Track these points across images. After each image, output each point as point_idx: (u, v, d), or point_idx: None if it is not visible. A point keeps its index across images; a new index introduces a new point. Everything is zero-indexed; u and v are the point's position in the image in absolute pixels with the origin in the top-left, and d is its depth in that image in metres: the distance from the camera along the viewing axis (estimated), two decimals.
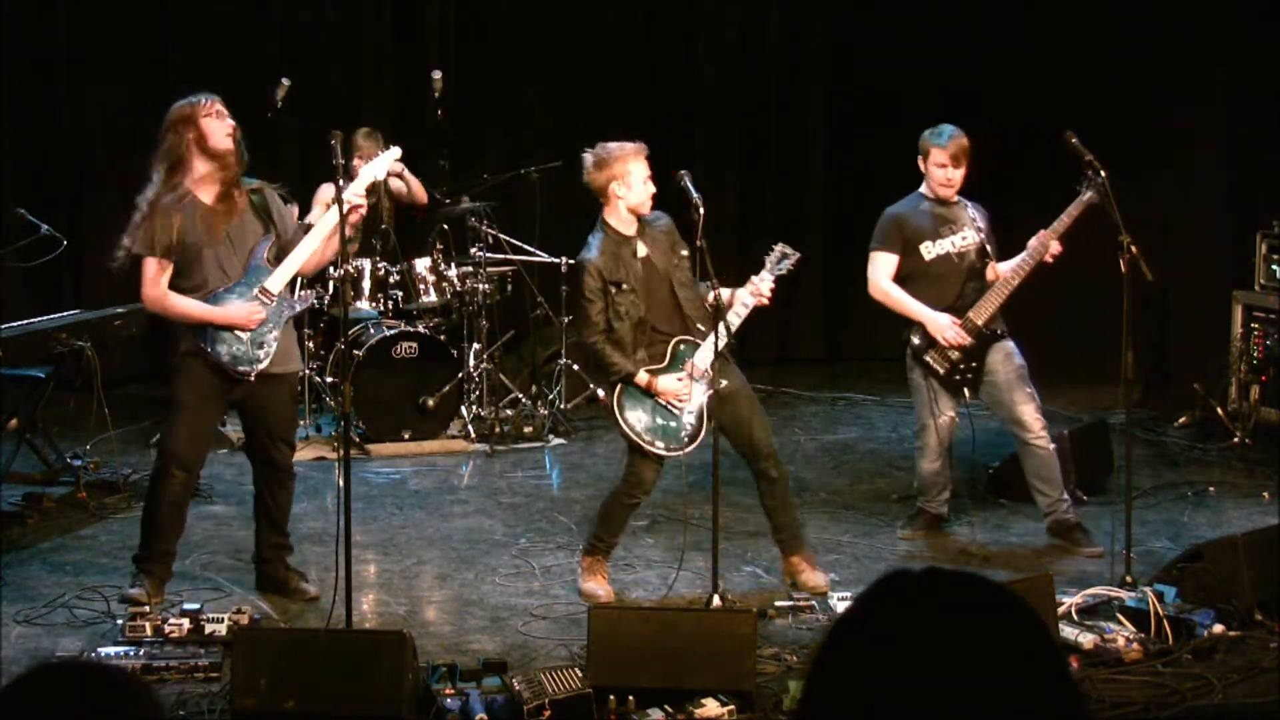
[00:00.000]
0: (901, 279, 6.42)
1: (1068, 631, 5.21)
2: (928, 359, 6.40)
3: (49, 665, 1.75)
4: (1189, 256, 9.39)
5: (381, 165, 5.91)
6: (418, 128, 10.00)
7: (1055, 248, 6.28)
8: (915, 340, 6.40)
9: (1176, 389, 9.12)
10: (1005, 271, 6.39)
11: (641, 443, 5.82)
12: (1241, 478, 7.71)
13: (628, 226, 5.83)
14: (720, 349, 5.67)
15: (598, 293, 5.77)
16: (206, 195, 5.58)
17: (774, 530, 6.05)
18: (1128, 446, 6.20)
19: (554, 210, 9.48)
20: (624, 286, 5.76)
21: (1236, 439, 8.30)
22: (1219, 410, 8.52)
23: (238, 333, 5.57)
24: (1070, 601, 5.50)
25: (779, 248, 5.91)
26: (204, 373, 5.60)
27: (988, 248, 6.41)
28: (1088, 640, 5.15)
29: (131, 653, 4.99)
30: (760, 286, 5.78)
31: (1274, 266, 8.57)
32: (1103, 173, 6.00)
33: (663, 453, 5.84)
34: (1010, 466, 7.25)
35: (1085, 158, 6.04)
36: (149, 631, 5.16)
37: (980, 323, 6.36)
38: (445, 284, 8.48)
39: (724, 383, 5.75)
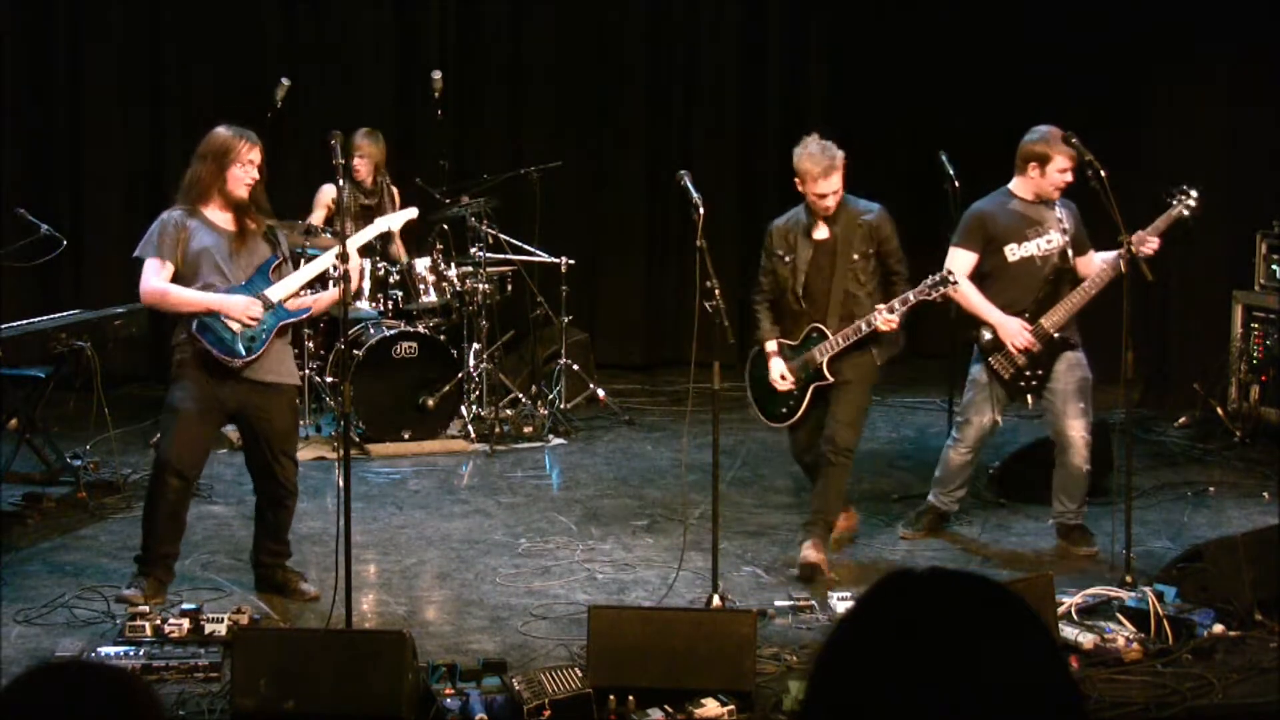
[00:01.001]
0: (980, 276, 6.32)
1: (1068, 631, 5.21)
2: (993, 361, 6.34)
3: (49, 666, 1.74)
4: (1189, 256, 9.38)
5: (398, 220, 6.23)
6: (418, 128, 10.02)
7: (1152, 245, 6.10)
8: (984, 338, 6.35)
9: (1176, 389, 9.12)
10: (1086, 277, 6.28)
11: (750, 398, 6.49)
12: (1241, 478, 7.71)
13: (815, 210, 6.18)
14: (842, 347, 6.10)
15: (765, 253, 6.34)
16: (217, 217, 5.70)
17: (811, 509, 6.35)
18: (1127, 446, 6.20)
19: (554, 210, 9.50)
20: (785, 258, 6.23)
21: (1236, 439, 8.31)
22: (1219, 410, 8.53)
23: (229, 323, 5.61)
24: (1070, 601, 5.50)
25: (944, 273, 6.00)
26: (201, 381, 5.64)
27: (1069, 251, 6.31)
28: (1088, 640, 5.15)
29: (131, 653, 4.98)
30: (875, 318, 6.01)
31: (1274, 266, 8.57)
32: (1103, 172, 5.98)
33: (761, 416, 6.47)
34: (1010, 466, 7.26)
35: (1085, 158, 6.02)
36: (149, 631, 5.16)
37: (1052, 330, 6.28)
38: (445, 284, 8.47)
39: (830, 378, 6.18)
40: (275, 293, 5.70)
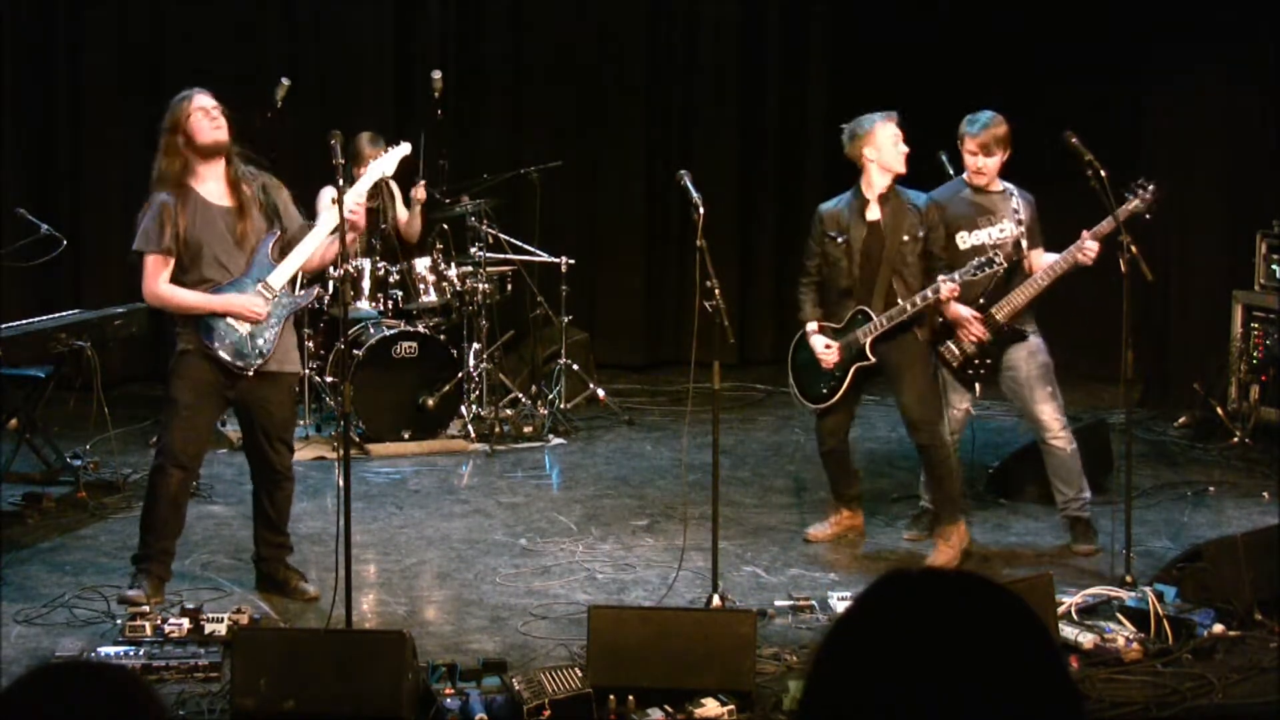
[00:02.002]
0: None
1: (1068, 631, 5.21)
2: (941, 350, 6.38)
3: (51, 666, 1.74)
4: (1189, 256, 9.39)
5: (390, 161, 5.93)
6: (418, 128, 10.01)
7: (1092, 249, 6.19)
8: (932, 331, 6.37)
9: (1176, 389, 9.12)
10: (1039, 269, 6.32)
11: (790, 382, 6.54)
12: (1241, 478, 7.71)
13: (870, 190, 6.25)
14: (886, 327, 6.15)
15: (814, 237, 6.40)
16: (210, 192, 5.58)
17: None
18: (1128, 446, 6.20)
19: (554, 210, 9.50)
20: (838, 239, 6.28)
21: (1236, 439, 8.30)
22: (1219, 410, 8.52)
23: (236, 326, 5.56)
24: (1070, 601, 5.50)
25: (987, 254, 6.05)
26: (202, 371, 5.59)
27: (1022, 242, 6.34)
28: (1088, 640, 5.15)
29: (131, 653, 4.99)
30: (942, 286, 6.06)
31: (1274, 266, 8.57)
32: (1103, 172, 5.98)
33: (799, 399, 6.53)
34: (1010, 466, 7.26)
35: (1085, 157, 6.01)
36: (149, 631, 5.16)
37: (1001, 318, 6.31)
38: (445, 284, 8.47)
39: (872, 359, 6.22)
40: (277, 278, 5.61)
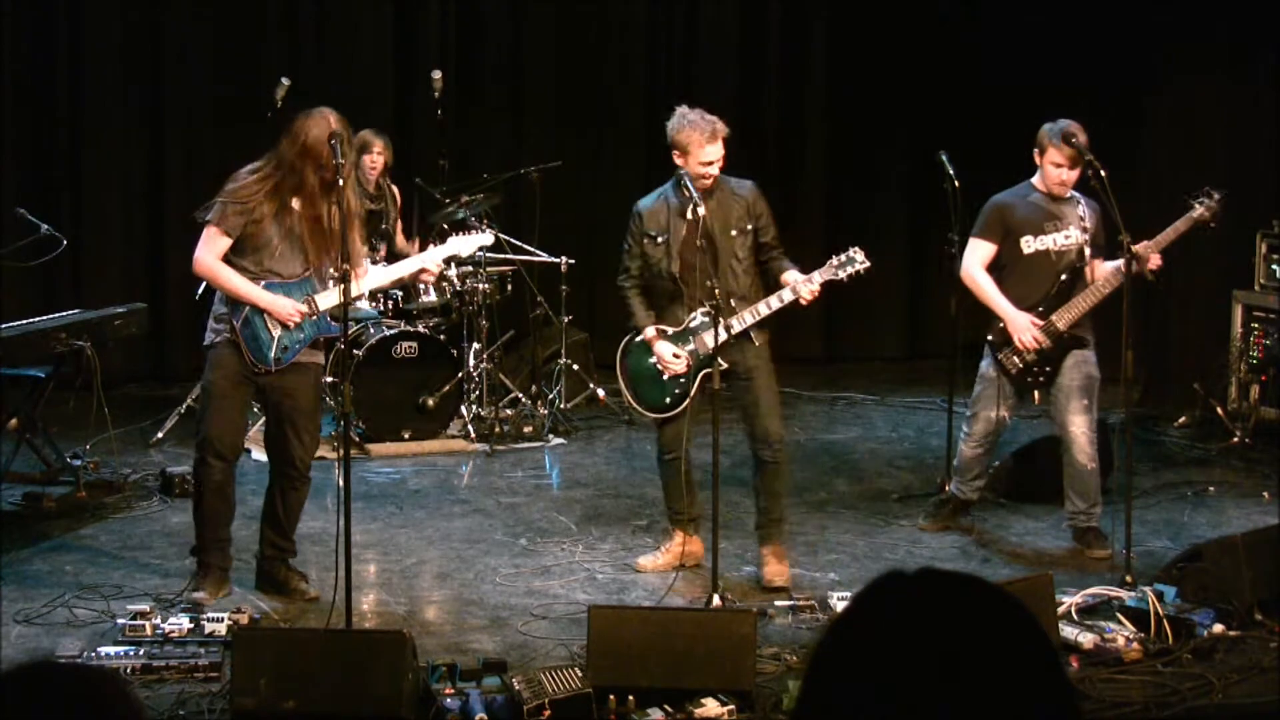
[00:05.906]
0: (996, 268, 6.30)
1: (1068, 631, 5.21)
2: (1002, 357, 6.32)
3: (21, 667, 1.72)
4: (1189, 256, 9.38)
5: (470, 243, 6.10)
6: (418, 128, 10.02)
7: (1155, 261, 6.10)
8: (992, 335, 6.34)
9: (1176, 389, 9.12)
10: (1100, 277, 6.25)
11: (625, 392, 6.17)
12: (1241, 478, 7.71)
13: (694, 183, 5.84)
14: (736, 333, 5.79)
15: (632, 237, 6.00)
16: (298, 201, 5.59)
17: (756, 514, 6.14)
18: (1128, 446, 6.20)
19: (554, 210, 9.49)
20: (659, 240, 5.91)
21: (1236, 439, 8.30)
22: (1219, 410, 8.52)
23: (270, 326, 5.59)
24: (1070, 601, 5.50)
25: (851, 251, 5.86)
26: (232, 359, 5.62)
27: (1086, 250, 6.26)
28: (1088, 640, 5.15)
29: (131, 653, 4.99)
30: (801, 287, 5.77)
31: (1274, 266, 8.57)
32: (1104, 172, 5.98)
33: (638, 408, 6.18)
34: (1011, 466, 7.25)
35: (1086, 157, 6.02)
36: (149, 631, 5.17)
37: (1063, 327, 6.24)
38: (445, 284, 8.47)
39: (724, 365, 5.72)
40: (325, 300, 5.65)
